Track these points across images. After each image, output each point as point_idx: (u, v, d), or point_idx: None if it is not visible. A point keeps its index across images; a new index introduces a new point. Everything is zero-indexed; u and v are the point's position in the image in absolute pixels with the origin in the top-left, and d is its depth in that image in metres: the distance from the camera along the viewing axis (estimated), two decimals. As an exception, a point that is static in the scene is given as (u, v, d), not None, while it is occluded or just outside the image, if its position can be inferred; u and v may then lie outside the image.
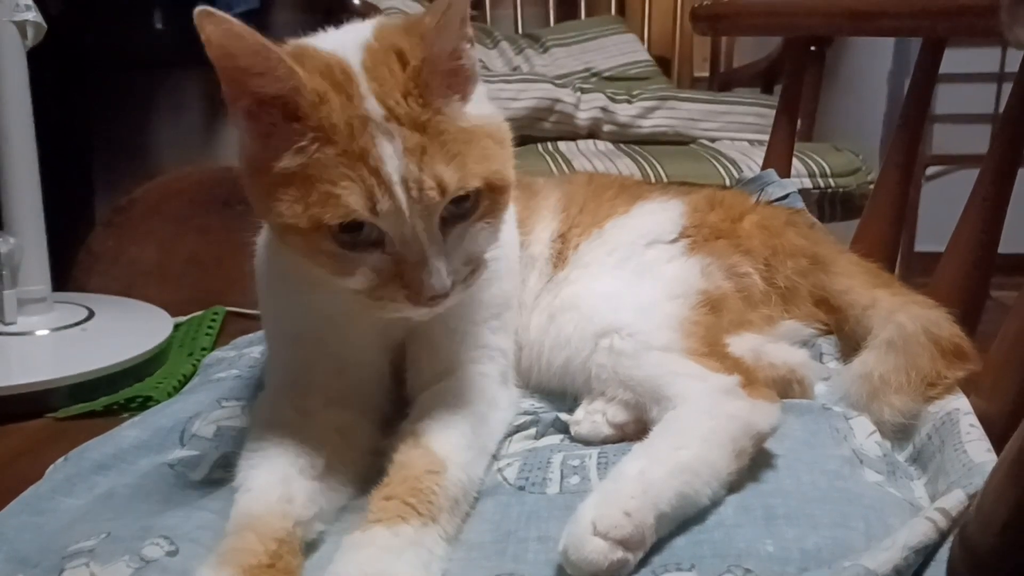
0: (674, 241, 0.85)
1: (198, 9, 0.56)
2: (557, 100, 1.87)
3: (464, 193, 0.61)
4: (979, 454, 0.65)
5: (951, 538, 0.55)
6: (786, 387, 0.77)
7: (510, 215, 0.78)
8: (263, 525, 0.59)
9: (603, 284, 0.80)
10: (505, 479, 0.69)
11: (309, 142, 0.59)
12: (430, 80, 0.61)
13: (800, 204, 1.15)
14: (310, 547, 0.62)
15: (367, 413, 0.73)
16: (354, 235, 0.60)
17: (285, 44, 0.63)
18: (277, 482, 0.63)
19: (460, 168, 0.60)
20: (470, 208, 0.63)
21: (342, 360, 0.73)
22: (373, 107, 0.59)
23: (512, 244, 0.81)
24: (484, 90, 0.68)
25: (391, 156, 0.58)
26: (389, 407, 0.75)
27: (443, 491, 0.62)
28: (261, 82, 0.59)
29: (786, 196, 1.16)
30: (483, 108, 0.66)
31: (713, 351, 0.72)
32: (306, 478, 0.64)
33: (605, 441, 0.73)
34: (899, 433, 0.74)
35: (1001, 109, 0.90)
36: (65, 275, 1.55)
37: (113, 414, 1.02)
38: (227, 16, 0.56)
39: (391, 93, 0.60)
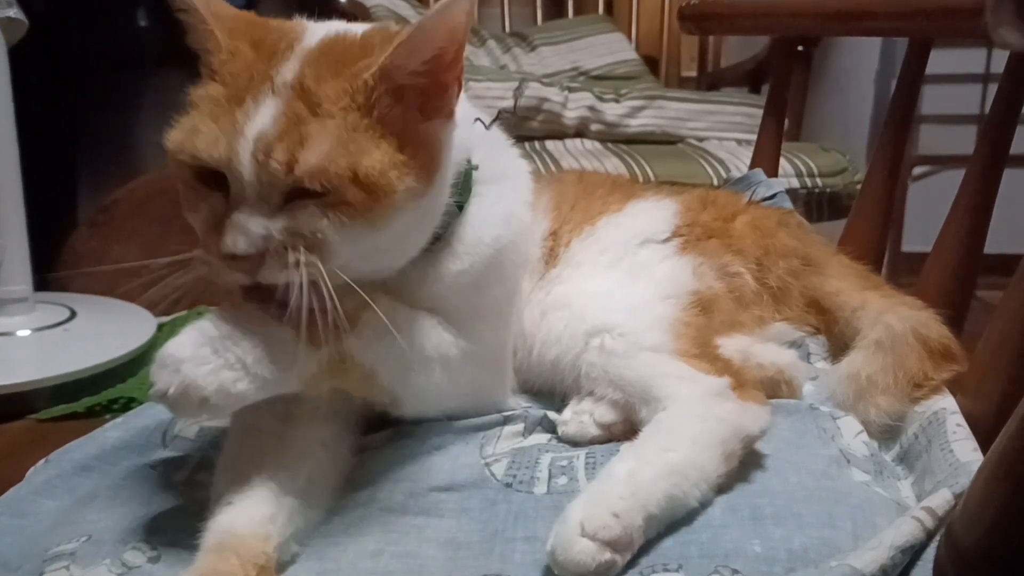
0: (667, 240, 0.84)
1: None
2: (544, 99, 1.87)
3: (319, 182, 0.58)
4: (965, 453, 0.65)
5: (937, 537, 0.56)
6: (774, 388, 0.77)
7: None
8: (246, 548, 0.58)
9: (595, 283, 0.80)
10: (493, 475, 0.68)
11: (207, 81, 0.61)
12: (372, 91, 0.59)
13: (787, 204, 1.15)
14: (281, 566, 0.60)
15: (353, 424, 0.72)
16: (206, 172, 0.60)
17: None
18: (260, 500, 0.61)
19: (333, 159, 0.57)
20: (329, 193, 0.58)
21: None
22: (288, 71, 0.59)
23: (522, 240, 0.79)
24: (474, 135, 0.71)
25: (263, 114, 0.58)
26: (374, 415, 0.74)
27: None
28: (194, 37, 0.63)
29: (773, 196, 1.16)
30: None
31: (704, 353, 0.72)
32: (286, 494, 0.62)
33: (592, 442, 0.73)
34: (886, 433, 0.74)
35: (987, 110, 0.90)
36: (48, 275, 1.54)
37: (95, 415, 1.01)
38: None
39: (316, 75, 0.59)
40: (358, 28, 0.65)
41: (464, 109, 0.69)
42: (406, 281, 0.69)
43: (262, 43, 0.62)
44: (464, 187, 0.72)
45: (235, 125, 0.58)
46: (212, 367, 0.58)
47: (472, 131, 0.74)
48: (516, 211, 0.78)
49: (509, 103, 1.83)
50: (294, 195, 0.58)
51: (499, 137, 0.81)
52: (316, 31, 0.64)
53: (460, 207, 0.71)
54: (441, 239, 0.70)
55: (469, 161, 0.72)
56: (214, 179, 0.60)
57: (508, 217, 0.76)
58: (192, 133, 0.59)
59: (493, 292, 0.75)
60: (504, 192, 0.76)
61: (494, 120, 0.79)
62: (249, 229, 0.58)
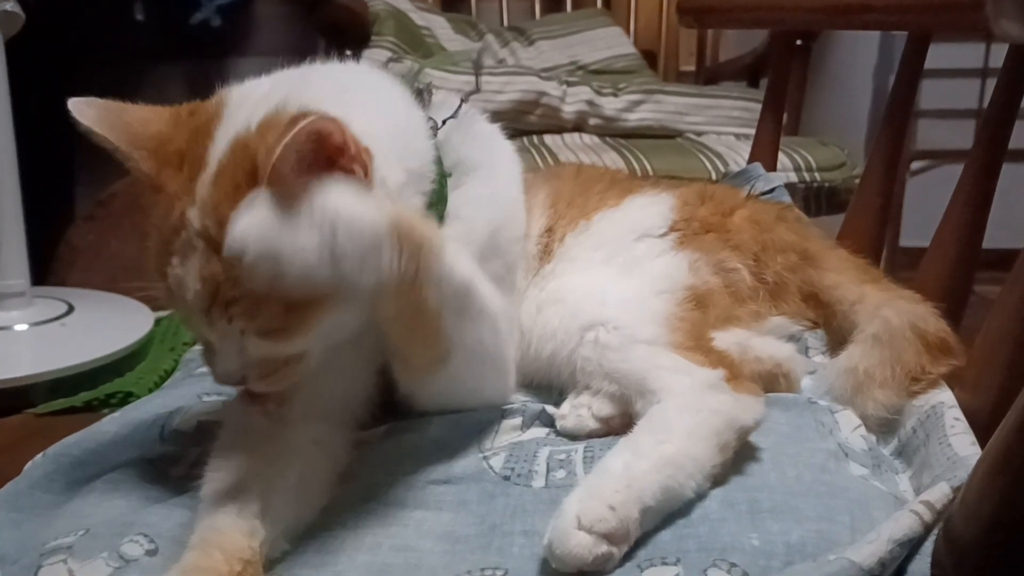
0: (663, 235, 0.84)
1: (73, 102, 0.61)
2: (543, 93, 1.87)
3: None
4: (963, 447, 0.65)
5: (936, 531, 0.56)
6: (772, 381, 0.77)
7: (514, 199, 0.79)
8: (229, 543, 0.57)
9: (590, 278, 0.80)
10: (491, 467, 0.68)
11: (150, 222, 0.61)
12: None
13: (786, 199, 1.15)
14: (272, 563, 0.60)
15: (348, 421, 0.72)
16: None
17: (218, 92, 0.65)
18: (245, 496, 0.61)
19: (260, 311, 0.57)
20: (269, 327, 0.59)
21: (329, 368, 0.68)
22: (193, 217, 0.58)
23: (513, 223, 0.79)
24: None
25: (189, 276, 0.58)
26: (369, 413, 0.74)
27: None
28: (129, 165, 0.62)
29: (772, 190, 1.16)
30: None
31: (698, 345, 0.72)
32: (274, 491, 0.62)
33: (591, 435, 0.73)
34: (884, 427, 0.74)
35: (985, 104, 0.90)
36: (45, 269, 1.54)
37: (93, 410, 1.01)
38: (98, 103, 0.62)
39: (218, 207, 0.56)
40: (265, 107, 0.59)
41: (412, 121, 0.70)
42: None
43: (185, 155, 0.60)
44: (439, 197, 0.70)
45: (173, 286, 0.59)
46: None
47: (430, 138, 0.72)
48: (502, 191, 0.78)
49: (507, 98, 1.82)
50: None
51: (473, 127, 0.79)
52: (232, 121, 0.60)
53: (440, 218, 0.70)
54: None
55: (439, 170, 0.71)
56: None
57: (493, 197, 0.75)
58: (152, 276, 0.61)
59: (493, 265, 0.73)
60: (485, 177, 0.75)
61: (456, 110, 0.77)
62: (230, 363, 0.61)
